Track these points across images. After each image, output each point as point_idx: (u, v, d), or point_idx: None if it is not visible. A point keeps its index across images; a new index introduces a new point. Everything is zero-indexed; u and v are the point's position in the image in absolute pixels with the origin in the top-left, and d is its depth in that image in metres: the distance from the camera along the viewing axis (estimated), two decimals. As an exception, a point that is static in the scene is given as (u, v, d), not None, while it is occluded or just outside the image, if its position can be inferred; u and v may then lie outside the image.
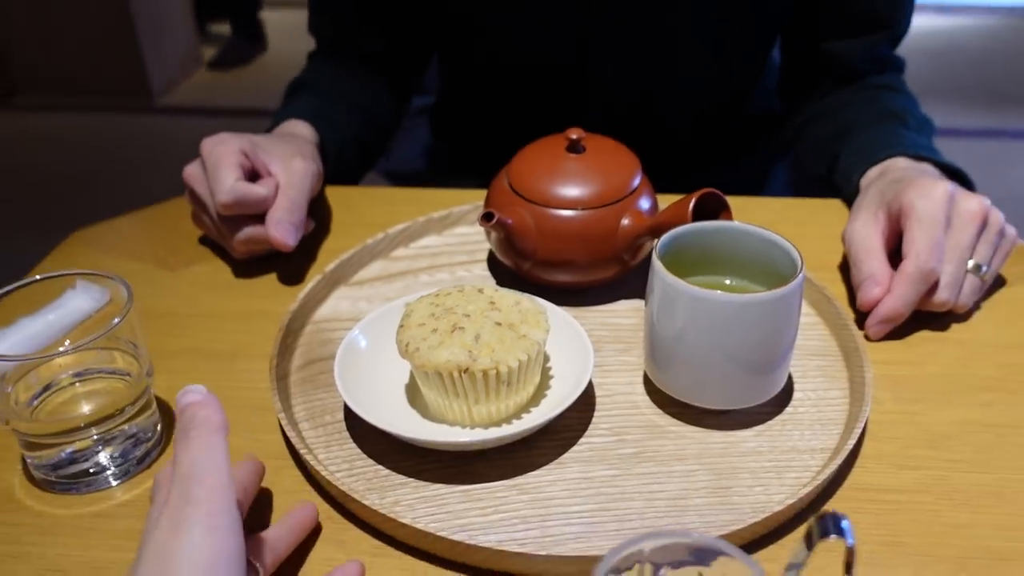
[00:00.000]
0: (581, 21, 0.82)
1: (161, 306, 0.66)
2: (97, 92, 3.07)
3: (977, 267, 0.61)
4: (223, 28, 3.63)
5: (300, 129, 0.81)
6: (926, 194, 0.61)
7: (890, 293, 0.60)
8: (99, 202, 2.44)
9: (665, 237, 0.52)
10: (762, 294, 0.47)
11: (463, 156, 1.05)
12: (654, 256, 0.51)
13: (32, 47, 3.04)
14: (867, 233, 0.63)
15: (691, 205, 0.56)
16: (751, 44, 0.87)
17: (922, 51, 3.40)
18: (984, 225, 0.61)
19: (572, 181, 0.63)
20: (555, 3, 0.81)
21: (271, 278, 0.69)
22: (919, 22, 3.17)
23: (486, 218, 0.60)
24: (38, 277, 0.53)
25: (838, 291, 0.66)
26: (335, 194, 0.82)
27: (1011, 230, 0.64)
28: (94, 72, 3.05)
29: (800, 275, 0.49)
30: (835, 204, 0.79)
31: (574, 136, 0.64)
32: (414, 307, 0.53)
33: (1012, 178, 2.50)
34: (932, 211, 0.60)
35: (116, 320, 0.49)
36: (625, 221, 0.62)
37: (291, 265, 0.71)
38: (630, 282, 0.65)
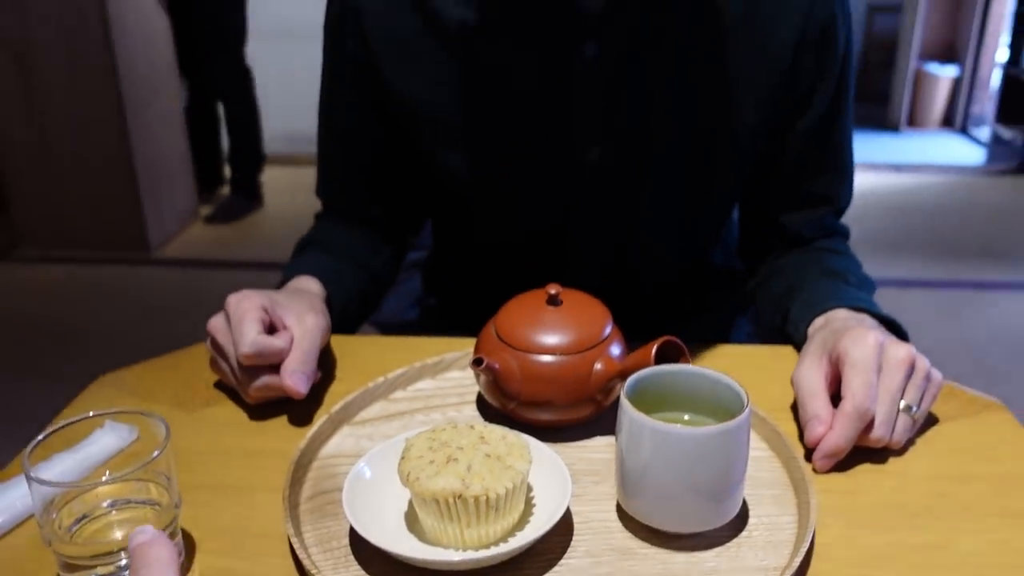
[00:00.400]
0: (564, 198, 0.91)
1: (181, 444, 0.73)
2: (96, 244, 3.20)
3: (908, 407, 0.69)
4: (223, 188, 3.81)
5: (310, 284, 0.90)
6: (860, 342, 0.69)
7: (832, 431, 0.67)
8: (97, 351, 2.51)
9: (631, 379, 0.61)
10: (714, 427, 0.56)
11: (451, 309, 1.14)
12: (622, 396, 0.59)
13: (35, 200, 3.18)
14: (811, 377, 0.71)
15: (653, 351, 0.65)
16: (711, 214, 0.97)
17: (881, 207, 3.62)
18: (912, 370, 0.70)
19: (551, 330, 0.72)
20: (542, 183, 0.90)
21: (281, 419, 0.77)
22: (878, 180, 3.41)
23: (476, 363, 0.69)
24: (91, 413, 0.60)
25: (790, 429, 0.74)
26: (337, 342, 0.90)
27: (937, 374, 0.72)
28: (94, 225, 3.19)
29: (746, 410, 0.57)
30: (789, 351, 0.88)
31: (553, 291, 0.73)
32: (413, 442, 0.61)
33: (966, 326, 2.62)
34: (865, 358, 0.68)
35: (156, 453, 0.56)
36: (598, 366, 0.70)
37: (299, 407, 0.78)
38: (604, 420, 0.73)
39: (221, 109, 3.62)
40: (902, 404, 0.69)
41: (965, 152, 4.88)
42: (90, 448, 0.67)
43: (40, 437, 0.58)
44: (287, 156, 4.19)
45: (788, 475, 0.68)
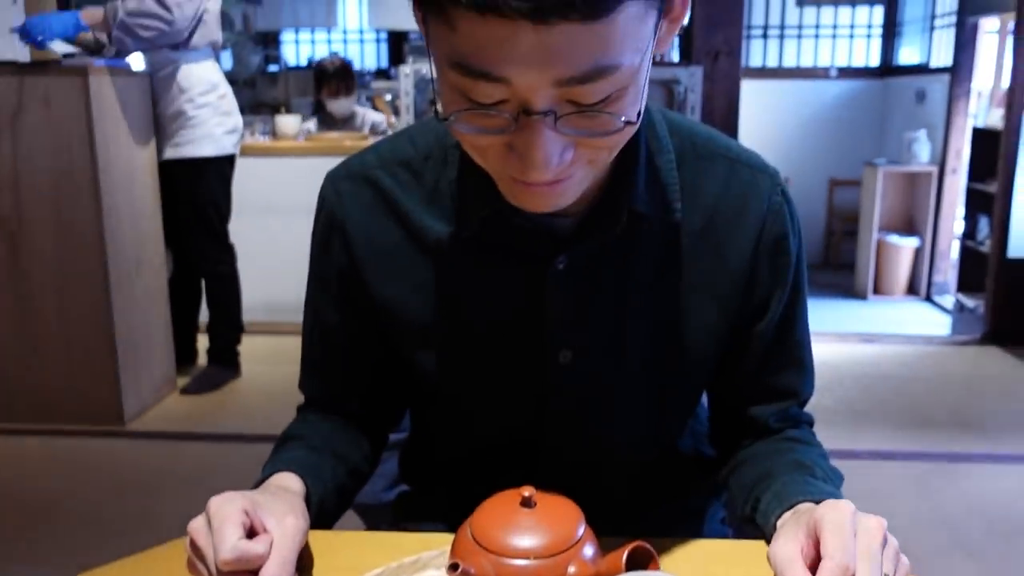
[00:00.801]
0: (538, 397, 0.94)
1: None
2: (71, 416, 3.17)
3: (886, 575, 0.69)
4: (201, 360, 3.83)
5: (290, 482, 0.91)
6: (835, 508, 0.72)
7: None
8: (70, 526, 2.44)
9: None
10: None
11: (426, 498, 1.15)
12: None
13: (12, 371, 3.17)
14: (788, 547, 0.72)
15: (623, 557, 0.67)
16: (679, 408, 1.00)
17: (852, 377, 3.68)
18: (886, 540, 0.71)
19: (525, 533, 0.73)
20: (516, 384, 0.93)
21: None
22: (849, 350, 3.48)
23: (452, 568, 0.70)
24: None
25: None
26: (313, 538, 0.89)
27: (905, 559, 0.73)
28: (70, 397, 3.16)
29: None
30: (763, 546, 0.89)
31: (526, 493, 0.75)
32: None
33: (940, 500, 2.62)
34: (842, 520, 0.70)
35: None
36: (571, 569, 0.71)
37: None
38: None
39: (203, 283, 3.68)
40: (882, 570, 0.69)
41: (931, 319, 5.00)
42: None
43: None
44: (266, 325, 4.23)
45: None
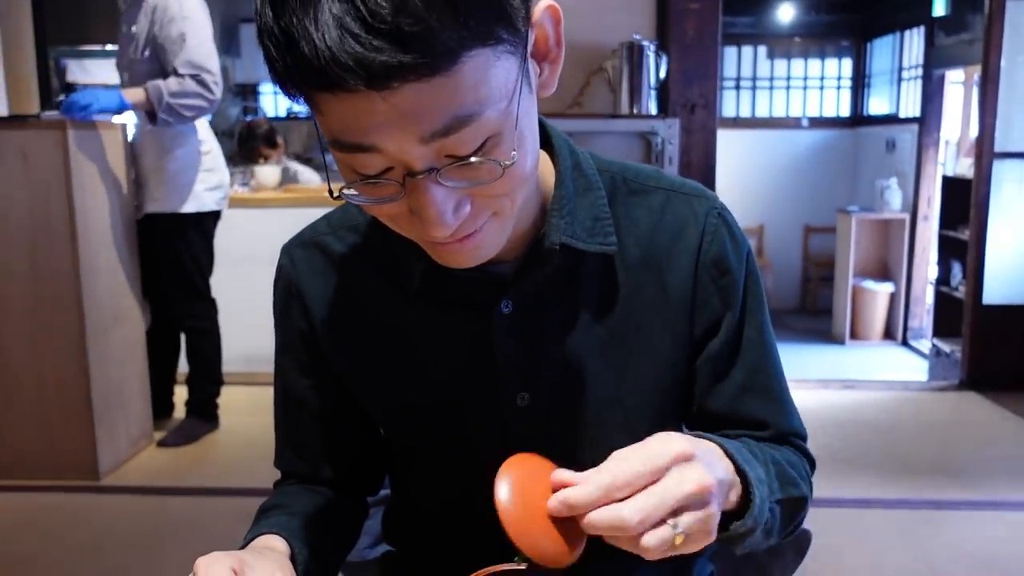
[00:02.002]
0: (502, 443, 0.90)
1: None
2: (44, 471, 3.11)
3: (675, 524, 0.68)
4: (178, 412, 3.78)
5: (275, 543, 0.88)
6: (664, 440, 0.74)
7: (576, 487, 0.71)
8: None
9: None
10: None
11: (411, 556, 1.13)
12: None
13: (-15, 429, 3.11)
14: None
15: None
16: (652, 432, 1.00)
17: (833, 424, 3.69)
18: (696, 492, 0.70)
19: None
20: (479, 432, 0.93)
21: None
22: (828, 396, 3.49)
23: None
24: None
25: None
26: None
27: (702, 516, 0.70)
28: (43, 451, 3.11)
29: None
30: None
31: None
32: None
33: (926, 548, 2.62)
34: (657, 453, 0.72)
35: None
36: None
37: None
38: None
39: (182, 337, 3.64)
40: (671, 521, 0.68)
41: (908, 364, 5.05)
42: None
43: None
44: (244, 375, 4.19)
45: None
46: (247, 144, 4.88)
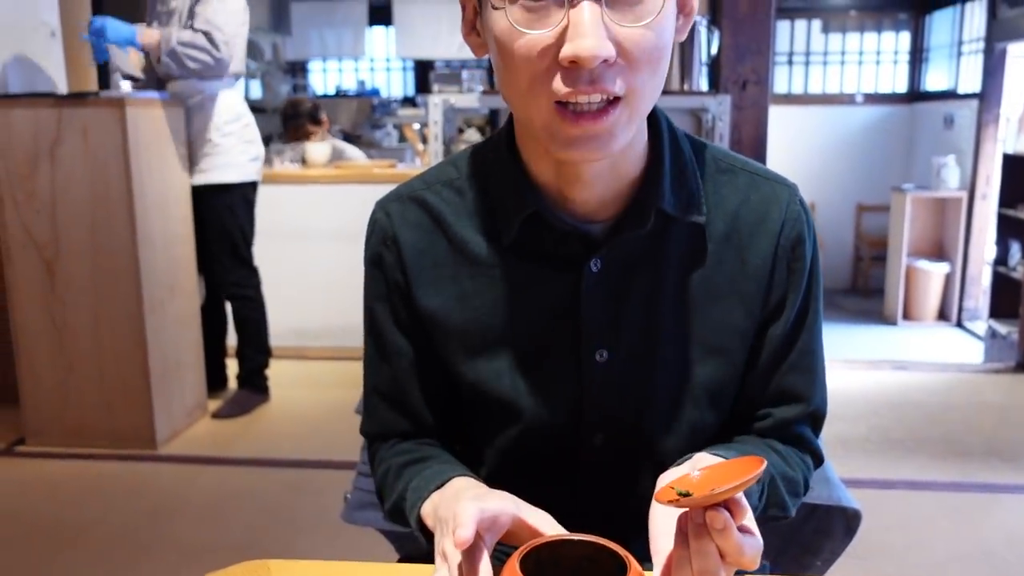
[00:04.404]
0: (577, 397, 0.96)
1: None
2: (103, 441, 3.20)
3: None
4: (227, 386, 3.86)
5: (471, 480, 0.91)
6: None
7: None
8: (102, 550, 2.46)
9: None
10: None
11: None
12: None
13: (46, 396, 3.21)
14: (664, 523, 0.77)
15: None
16: (714, 408, 1.00)
17: (885, 406, 3.64)
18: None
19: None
20: (555, 384, 0.96)
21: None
22: (880, 377, 3.42)
23: None
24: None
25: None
26: (361, 571, 0.91)
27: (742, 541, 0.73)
28: (102, 421, 3.20)
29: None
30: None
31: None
32: None
33: (980, 532, 2.58)
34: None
35: None
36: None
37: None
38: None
39: (229, 306, 3.72)
40: None
41: (962, 346, 4.95)
42: None
43: None
44: (295, 350, 4.26)
45: None
46: (292, 121, 4.93)
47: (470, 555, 0.74)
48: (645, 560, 0.77)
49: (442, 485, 0.89)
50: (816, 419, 1.03)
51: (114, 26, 3.14)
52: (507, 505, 0.78)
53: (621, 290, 0.94)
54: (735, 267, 0.95)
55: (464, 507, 0.75)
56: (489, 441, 1.05)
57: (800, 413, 1.00)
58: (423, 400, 1.03)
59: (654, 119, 0.95)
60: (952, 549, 2.46)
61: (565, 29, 0.77)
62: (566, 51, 0.77)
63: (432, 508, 0.87)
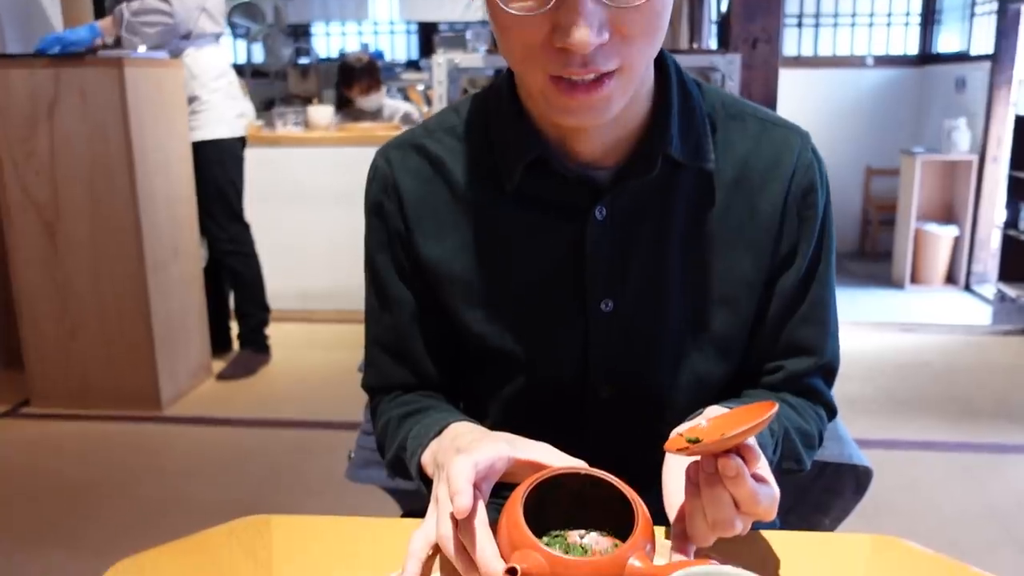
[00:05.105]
0: (582, 348, 0.94)
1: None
2: (107, 402, 3.20)
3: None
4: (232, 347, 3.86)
5: (469, 425, 0.88)
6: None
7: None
8: (109, 511, 2.46)
9: (668, 580, 0.60)
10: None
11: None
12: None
13: (50, 358, 3.21)
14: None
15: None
16: (722, 360, 0.98)
17: (891, 366, 3.62)
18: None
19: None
20: (560, 334, 0.94)
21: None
22: (886, 339, 3.40)
23: (510, 572, 0.67)
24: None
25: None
26: (362, 526, 0.89)
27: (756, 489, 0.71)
28: (107, 382, 3.20)
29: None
30: (818, 538, 0.86)
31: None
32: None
33: (988, 492, 2.57)
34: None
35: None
36: (634, 563, 0.69)
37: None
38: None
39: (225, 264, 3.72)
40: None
41: (970, 309, 4.92)
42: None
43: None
44: (298, 312, 4.25)
45: None
46: (359, 76, 4.68)
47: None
48: (658, 515, 0.75)
49: (440, 432, 0.87)
50: (828, 372, 1.01)
51: (69, 34, 3.15)
52: (501, 449, 0.76)
53: (627, 239, 0.92)
54: (744, 215, 0.93)
55: (456, 468, 0.72)
56: (493, 394, 1.03)
57: (812, 365, 0.98)
58: (425, 351, 1.01)
59: (662, 63, 0.91)
60: (960, 509, 2.45)
61: (558, 7, 0.74)
62: (558, 40, 0.75)
63: (431, 456, 0.85)
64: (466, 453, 0.74)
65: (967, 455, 2.83)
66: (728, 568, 0.62)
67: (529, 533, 0.70)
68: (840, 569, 0.82)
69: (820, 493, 1.31)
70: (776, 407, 0.67)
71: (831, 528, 1.31)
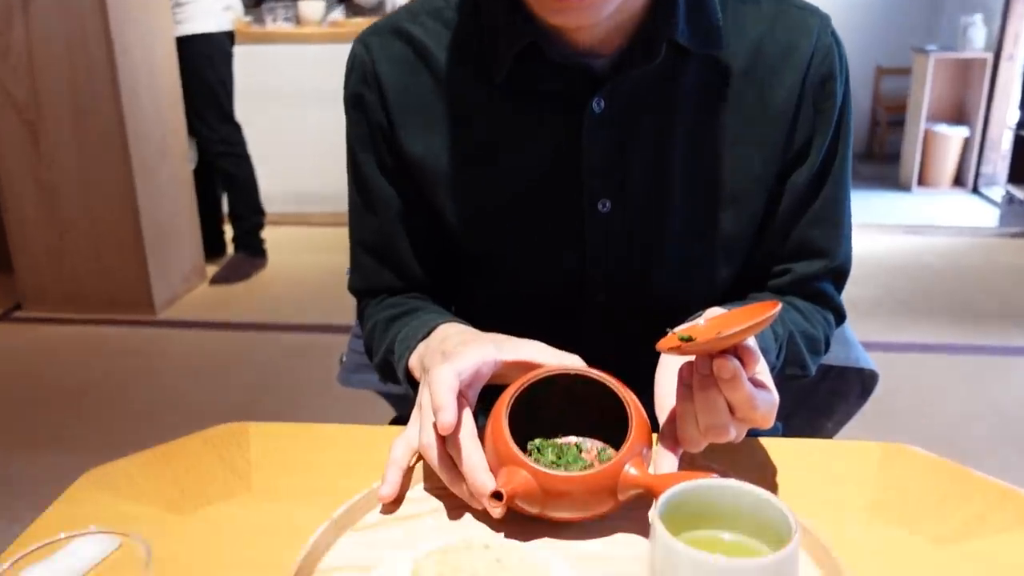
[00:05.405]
0: (579, 250, 0.89)
1: (169, 555, 0.67)
2: (100, 306, 3.17)
3: None
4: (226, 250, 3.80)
5: (457, 326, 0.84)
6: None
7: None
8: (101, 414, 2.45)
9: (664, 496, 0.55)
10: (762, 559, 0.50)
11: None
12: (655, 518, 0.53)
13: (40, 261, 3.16)
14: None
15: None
16: (726, 262, 0.93)
17: (895, 268, 3.57)
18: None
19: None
20: (555, 236, 0.89)
21: (281, 521, 0.71)
22: (892, 241, 3.33)
23: (495, 497, 0.62)
24: (61, 536, 0.55)
25: (834, 536, 0.67)
26: (342, 433, 0.85)
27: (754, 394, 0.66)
28: (99, 286, 3.16)
29: (795, 538, 0.51)
30: (826, 445, 0.82)
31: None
32: (421, 565, 0.55)
33: (993, 393, 2.55)
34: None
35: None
36: (630, 470, 0.64)
37: (302, 508, 0.72)
38: (633, 516, 0.67)
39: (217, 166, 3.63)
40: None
41: (977, 212, 4.85)
42: (69, 560, 0.62)
43: (6, 565, 0.52)
44: (292, 216, 4.18)
45: (837, 596, 0.61)
46: None
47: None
48: (655, 419, 0.70)
49: (428, 334, 0.83)
50: (839, 275, 0.95)
51: None
52: (487, 353, 0.72)
53: (627, 133, 0.84)
54: (756, 107, 0.85)
55: (438, 380, 0.68)
56: (483, 300, 0.99)
57: (822, 268, 0.92)
58: (412, 253, 0.95)
59: None
60: (964, 412, 2.43)
61: None
62: None
63: (419, 359, 0.81)
64: (448, 361, 0.70)
65: (971, 358, 2.80)
66: (730, 482, 0.57)
67: (514, 448, 0.65)
68: (847, 478, 0.78)
69: (824, 396, 1.27)
70: (779, 307, 0.61)
71: (833, 432, 1.28)
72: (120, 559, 0.57)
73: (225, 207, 3.71)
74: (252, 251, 3.65)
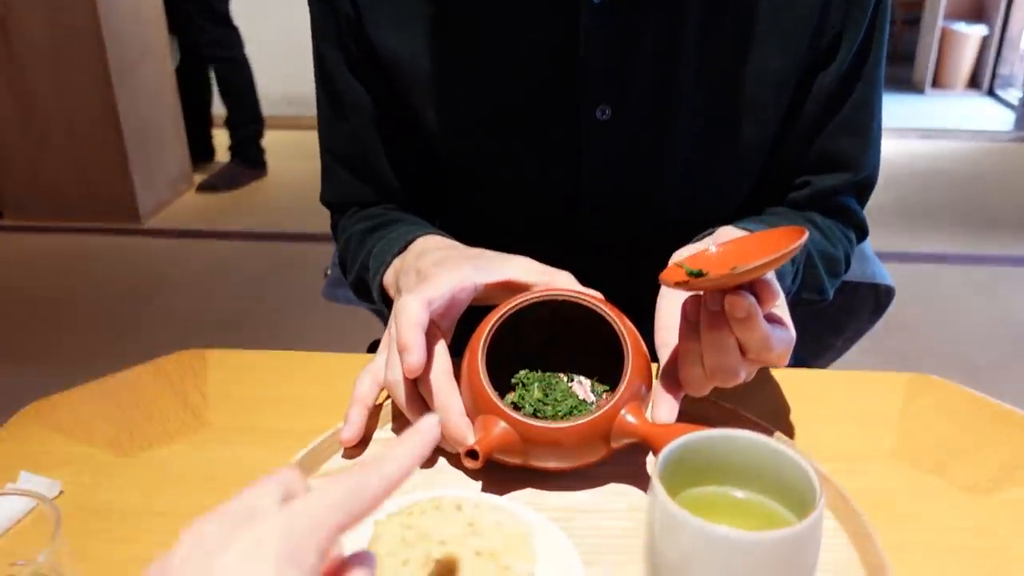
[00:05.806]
0: (575, 162, 0.80)
1: (110, 503, 0.60)
2: (83, 214, 3.08)
3: None
4: (223, 155, 3.65)
5: (436, 239, 0.76)
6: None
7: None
8: (84, 325, 2.39)
9: (665, 452, 0.47)
10: (780, 532, 0.42)
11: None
12: (654, 477, 0.45)
13: (19, 168, 3.06)
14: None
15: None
16: (737, 175, 0.85)
17: (908, 174, 3.45)
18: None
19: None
20: (549, 146, 0.80)
21: (234, 467, 0.64)
22: (905, 146, 3.19)
23: (470, 456, 0.54)
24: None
25: (856, 485, 0.60)
26: (312, 361, 0.77)
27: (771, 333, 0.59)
28: (81, 193, 3.07)
29: (820, 505, 0.43)
30: (845, 377, 0.74)
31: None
32: (382, 530, 0.47)
33: (1007, 304, 2.47)
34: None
35: (40, 558, 0.43)
36: (626, 416, 0.56)
37: (256, 451, 0.65)
38: (623, 465, 0.60)
39: (212, 72, 3.45)
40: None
41: (993, 115, 4.70)
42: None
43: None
44: (288, 119, 4.04)
45: (860, 556, 0.54)
46: None
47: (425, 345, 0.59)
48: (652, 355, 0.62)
49: (405, 248, 0.74)
50: (864, 188, 0.86)
51: None
52: (464, 276, 0.63)
53: (630, 31, 0.74)
54: (777, 3, 0.74)
55: (405, 313, 0.59)
56: (468, 216, 0.90)
57: (846, 181, 0.83)
58: (388, 164, 0.86)
59: None
60: (979, 323, 2.35)
61: None
62: None
63: (394, 277, 0.73)
64: (420, 288, 0.61)
65: (986, 268, 2.71)
66: (743, 432, 0.49)
67: (492, 395, 0.57)
68: (869, 416, 0.70)
69: (835, 313, 1.19)
70: (805, 235, 0.52)
71: (843, 350, 1.21)
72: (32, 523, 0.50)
73: (217, 109, 3.56)
74: (250, 162, 3.51)
